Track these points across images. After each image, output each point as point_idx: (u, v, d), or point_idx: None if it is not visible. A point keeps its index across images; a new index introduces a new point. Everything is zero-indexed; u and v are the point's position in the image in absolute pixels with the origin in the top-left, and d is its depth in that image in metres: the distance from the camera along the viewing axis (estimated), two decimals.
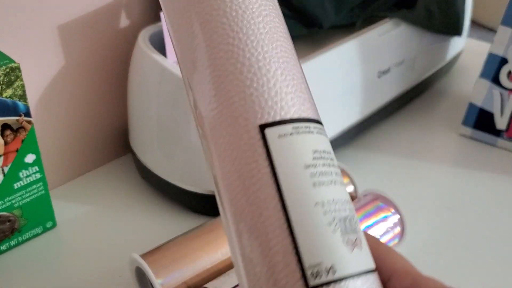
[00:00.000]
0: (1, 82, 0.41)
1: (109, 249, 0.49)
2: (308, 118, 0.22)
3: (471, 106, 0.64)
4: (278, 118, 0.22)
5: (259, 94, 0.22)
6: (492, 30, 0.92)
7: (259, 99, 0.22)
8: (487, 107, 0.63)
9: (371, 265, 0.22)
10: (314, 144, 0.22)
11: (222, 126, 0.22)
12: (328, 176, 0.22)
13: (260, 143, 0.21)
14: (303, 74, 0.24)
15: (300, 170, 0.21)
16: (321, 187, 0.21)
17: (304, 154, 0.21)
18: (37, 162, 0.46)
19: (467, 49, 0.79)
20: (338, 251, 0.20)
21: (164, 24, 0.48)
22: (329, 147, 0.23)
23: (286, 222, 0.21)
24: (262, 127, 0.21)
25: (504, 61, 0.60)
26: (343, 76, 0.55)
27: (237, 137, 0.22)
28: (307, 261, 0.20)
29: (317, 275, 0.20)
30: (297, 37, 0.52)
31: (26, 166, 0.46)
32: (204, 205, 0.52)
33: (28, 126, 0.44)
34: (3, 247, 0.48)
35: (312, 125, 0.23)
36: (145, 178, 0.55)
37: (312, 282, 0.20)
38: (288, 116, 0.22)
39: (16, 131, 0.44)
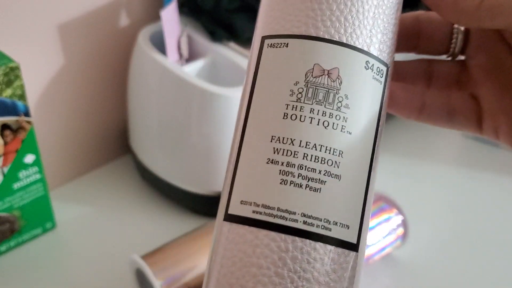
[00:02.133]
0: (1, 82, 0.41)
1: (109, 250, 0.49)
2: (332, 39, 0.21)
3: None
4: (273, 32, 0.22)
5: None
6: None
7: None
8: None
9: None
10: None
11: None
12: (308, 113, 0.20)
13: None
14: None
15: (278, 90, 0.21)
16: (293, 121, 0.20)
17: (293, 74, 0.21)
18: (37, 162, 0.46)
19: None
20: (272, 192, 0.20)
21: (164, 23, 0.48)
22: (348, 90, 0.21)
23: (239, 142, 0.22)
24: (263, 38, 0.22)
25: None
26: None
27: None
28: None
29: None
30: None
31: (26, 166, 0.45)
32: (204, 206, 0.52)
33: (28, 126, 0.44)
34: (3, 248, 0.47)
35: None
36: (145, 179, 0.55)
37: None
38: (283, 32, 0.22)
39: (15, 131, 0.43)
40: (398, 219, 0.47)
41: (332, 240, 0.20)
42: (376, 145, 0.22)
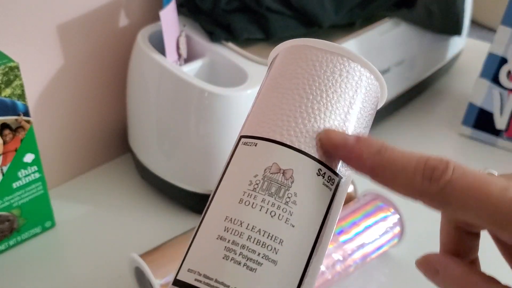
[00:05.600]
0: (0, 82, 0.41)
1: (108, 249, 0.49)
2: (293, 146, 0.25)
3: (471, 105, 0.64)
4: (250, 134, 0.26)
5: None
6: (492, 30, 0.92)
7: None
8: (487, 107, 0.63)
9: None
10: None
11: None
12: (260, 202, 0.23)
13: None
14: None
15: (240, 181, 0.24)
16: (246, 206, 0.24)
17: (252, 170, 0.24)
18: (36, 161, 0.46)
19: (467, 49, 0.79)
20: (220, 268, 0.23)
21: (163, 23, 0.48)
22: (299, 190, 0.24)
23: (204, 211, 0.25)
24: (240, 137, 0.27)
25: (503, 61, 0.60)
26: None
27: None
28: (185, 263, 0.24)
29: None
30: (296, 37, 0.51)
31: (25, 165, 0.46)
32: (203, 205, 0.52)
33: (27, 126, 0.44)
34: (2, 247, 0.48)
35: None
36: (144, 178, 0.55)
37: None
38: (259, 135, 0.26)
39: (15, 130, 0.44)
40: (395, 217, 0.47)
41: None
42: (319, 242, 0.24)
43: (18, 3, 0.45)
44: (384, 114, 0.64)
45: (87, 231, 0.51)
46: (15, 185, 0.46)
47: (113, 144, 0.59)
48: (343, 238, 0.44)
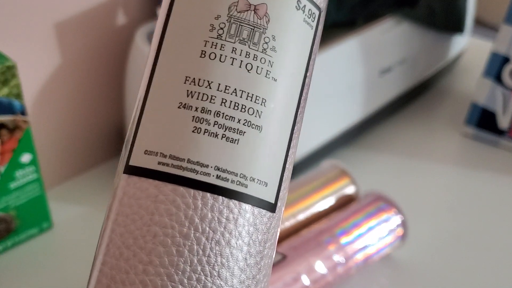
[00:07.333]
0: None
1: None
2: None
3: (474, 105, 0.64)
4: None
5: None
6: (495, 29, 0.91)
7: None
8: (490, 106, 0.62)
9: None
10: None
11: None
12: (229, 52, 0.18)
13: None
14: None
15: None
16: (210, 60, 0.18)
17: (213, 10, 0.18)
18: (33, 162, 0.46)
19: (469, 48, 0.78)
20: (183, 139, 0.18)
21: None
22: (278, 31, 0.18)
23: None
24: None
25: (506, 60, 0.60)
26: (344, 75, 0.54)
27: None
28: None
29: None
30: None
31: (22, 166, 0.45)
32: None
33: (24, 126, 0.44)
34: None
35: None
36: None
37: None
38: None
39: (12, 130, 0.43)
40: (397, 219, 0.46)
41: (248, 198, 0.18)
42: (302, 98, 0.19)
43: (16, 2, 0.45)
44: (386, 113, 0.64)
45: (84, 232, 0.50)
46: (12, 185, 0.45)
47: (111, 144, 0.58)
48: (344, 240, 0.43)
